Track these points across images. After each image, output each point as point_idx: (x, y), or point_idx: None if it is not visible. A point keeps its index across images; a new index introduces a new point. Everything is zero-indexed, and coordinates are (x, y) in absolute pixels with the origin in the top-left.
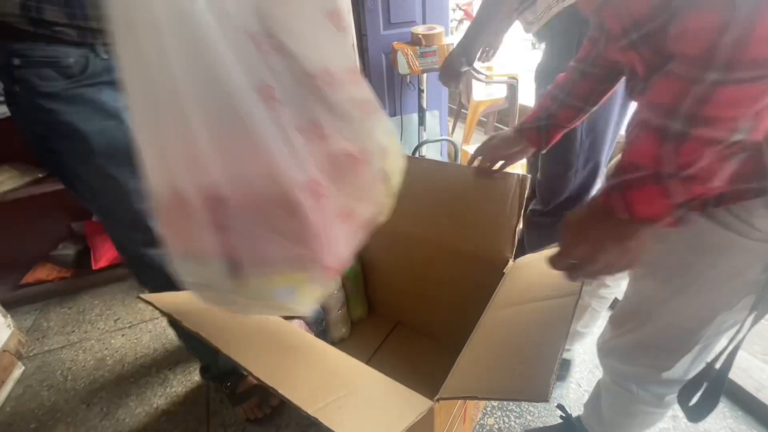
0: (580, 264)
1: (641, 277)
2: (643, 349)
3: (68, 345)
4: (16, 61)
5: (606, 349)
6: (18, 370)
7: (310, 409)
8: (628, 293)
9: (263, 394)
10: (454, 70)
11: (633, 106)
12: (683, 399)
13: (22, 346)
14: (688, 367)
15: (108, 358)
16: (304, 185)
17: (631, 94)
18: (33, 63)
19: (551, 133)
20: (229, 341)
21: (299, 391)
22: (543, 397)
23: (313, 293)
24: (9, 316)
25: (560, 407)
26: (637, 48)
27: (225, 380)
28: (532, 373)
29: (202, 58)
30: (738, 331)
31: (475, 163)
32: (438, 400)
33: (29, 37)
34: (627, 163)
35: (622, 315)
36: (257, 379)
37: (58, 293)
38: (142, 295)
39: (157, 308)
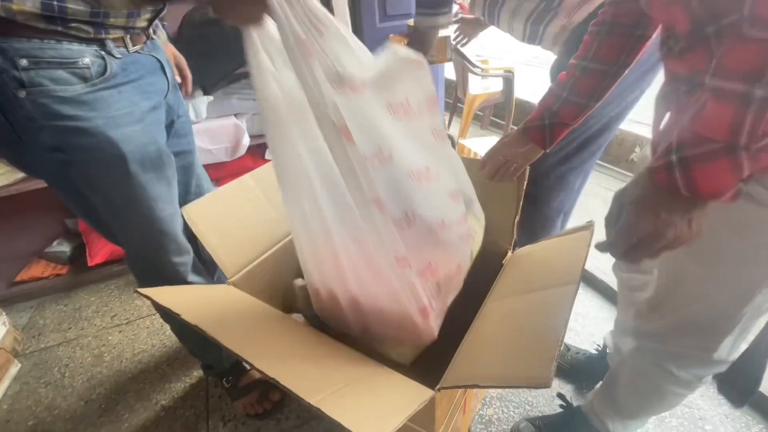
0: (644, 243)
1: (676, 258)
2: (683, 330)
3: (65, 342)
4: (23, 63)
5: (644, 332)
6: (14, 368)
7: (312, 399)
8: (663, 276)
9: (264, 389)
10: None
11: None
12: (724, 385)
13: (18, 343)
14: (730, 348)
15: (105, 354)
16: (417, 310)
17: (667, 56)
18: (44, 64)
19: (555, 131)
20: (230, 334)
21: (300, 382)
22: (544, 383)
23: (414, 353)
24: (4, 313)
25: (560, 396)
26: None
27: (226, 375)
28: (533, 361)
29: (350, 219)
30: None
31: (487, 170)
32: (439, 389)
33: (36, 34)
34: (694, 136)
35: (659, 298)
36: (258, 370)
37: (53, 290)
38: (139, 289)
39: (154, 303)
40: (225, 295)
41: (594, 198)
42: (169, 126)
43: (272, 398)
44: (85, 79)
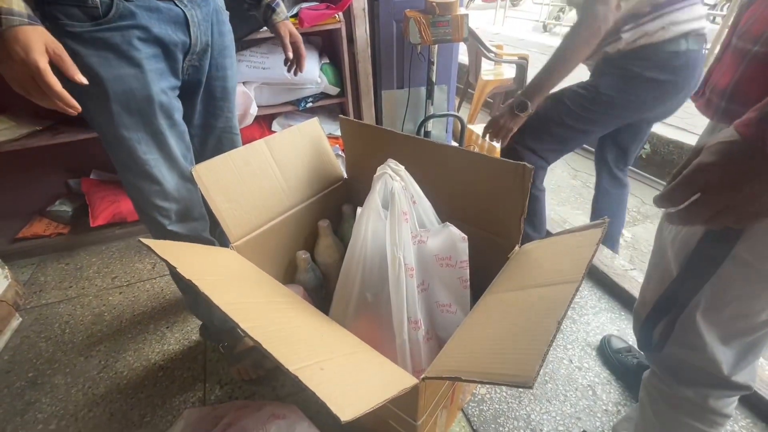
0: (706, 201)
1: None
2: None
3: (66, 300)
4: None
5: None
6: (16, 321)
7: (291, 367)
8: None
9: (258, 356)
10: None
11: None
12: None
13: (19, 297)
14: (735, 361)
15: (106, 314)
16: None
17: None
18: (60, 0)
19: None
20: (221, 294)
21: (283, 348)
22: (525, 383)
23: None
24: (6, 267)
25: None
26: None
27: (222, 340)
28: (520, 358)
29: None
30: None
31: None
32: (424, 379)
33: None
34: None
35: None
36: (243, 331)
37: (55, 249)
38: (142, 239)
39: (155, 253)
40: (226, 257)
41: None
42: (195, 86)
43: (266, 365)
44: (93, 18)
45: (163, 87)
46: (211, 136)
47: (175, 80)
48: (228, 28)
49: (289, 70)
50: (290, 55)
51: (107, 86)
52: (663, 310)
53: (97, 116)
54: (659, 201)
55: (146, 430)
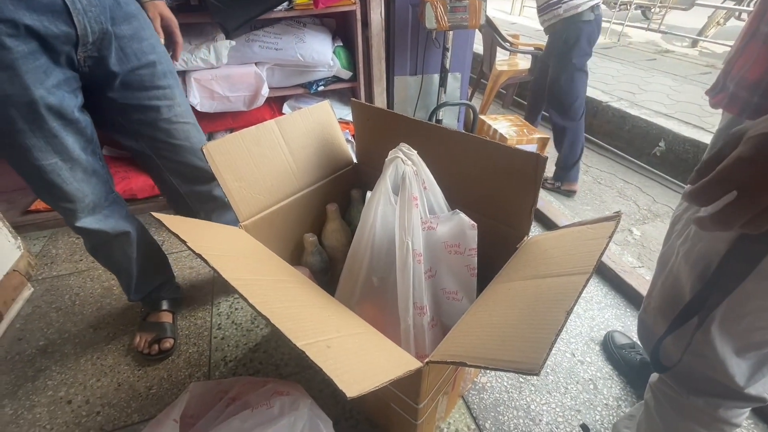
0: (744, 202)
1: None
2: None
3: (76, 272)
4: None
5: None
6: (27, 291)
7: (299, 342)
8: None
9: (160, 333)
10: None
11: None
12: None
13: (31, 268)
14: (751, 372)
15: (115, 288)
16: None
17: None
18: None
19: None
20: (232, 270)
21: (291, 324)
22: (532, 369)
23: None
24: (19, 238)
25: (584, 428)
26: None
27: (145, 303)
28: (527, 346)
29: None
30: None
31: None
32: (428, 363)
33: None
34: None
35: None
36: (251, 305)
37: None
38: (154, 213)
39: (166, 227)
40: (234, 236)
41: (610, 189)
42: (105, 79)
43: (162, 346)
44: None
45: (48, 86)
46: (157, 130)
47: (65, 72)
48: (134, 8)
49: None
50: (161, 40)
51: None
52: (678, 325)
53: None
54: (689, 197)
55: (152, 402)
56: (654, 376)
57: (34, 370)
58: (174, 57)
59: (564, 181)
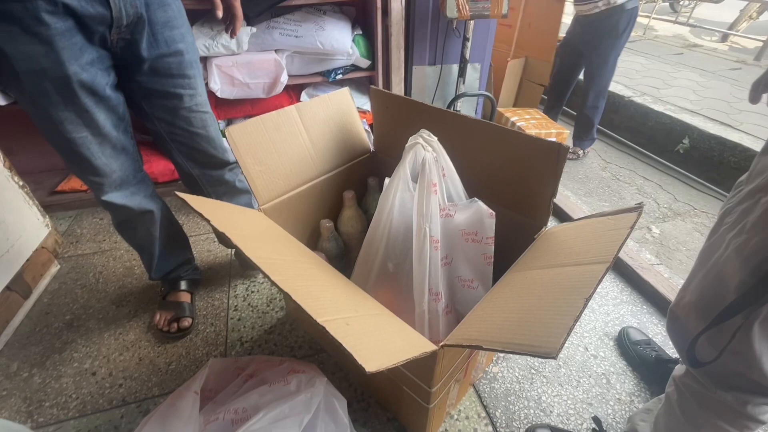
0: None
1: None
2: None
3: (100, 252)
4: None
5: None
6: (54, 268)
7: (320, 319)
8: None
9: (179, 312)
10: None
11: None
12: None
13: (58, 246)
14: None
15: (136, 267)
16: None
17: None
18: None
19: None
20: (254, 248)
21: (311, 302)
22: (550, 353)
23: None
24: (47, 216)
25: (596, 420)
26: None
27: (164, 283)
28: (544, 330)
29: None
30: None
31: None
32: (443, 346)
33: None
34: None
35: None
36: (273, 282)
37: (90, 204)
38: (178, 192)
39: (190, 206)
40: (255, 218)
41: (629, 186)
42: (133, 62)
43: (181, 325)
44: None
45: (82, 63)
46: (177, 117)
47: (98, 50)
48: None
49: (226, 31)
50: (219, 13)
51: (15, 64)
52: (722, 321)
53: (13, 92)
54: None
55: (171, 376)
56: (679, 369)
57: (61, 342)
58: (233, 33)
59: (585, 148)
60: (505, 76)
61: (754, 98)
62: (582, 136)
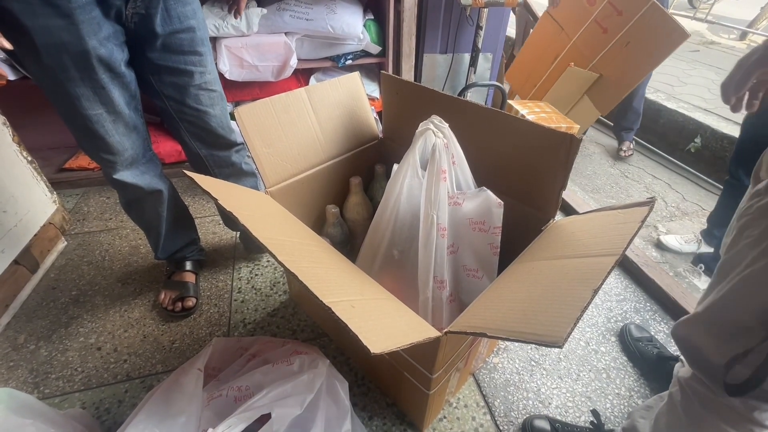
0: None
1: None
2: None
3: (106, 230)
4: None
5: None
6: (62, 244)
7: (326, 300)
8: None
9: (184, 291)
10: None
11: None
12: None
13: (66, 222)
14: None
15: (141, 247)
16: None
17: None
18: None
19: None
20: (261, 229)
21: (317, 283)
22: (557, 342)
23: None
24: (55, 193)
25: (594, 414)
26: None
27: (170, 263)
28: (550, 320)
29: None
30: None
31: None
32: (447, 333)
33: None
34: None
35: None
36: (280, 262)
37: (97, 182)
38: (186, 171)
39: (198, 185)
40: (262, 200)
41: (637, 184)
42: (146, 37)
43: (185, 304)
44: None
45: (100, 38)
46: (186, 95)
47: (114, 25)
48: None
49: (230, 11)
50: None
51: (34, 37)
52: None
53: (30, 67)
54: None
55: (174, 354)
56: (685, 371)
57: (68, 317)
58: (236, 12)
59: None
60: (559, 80)
61: (726, 100)
62: (632, 126)
